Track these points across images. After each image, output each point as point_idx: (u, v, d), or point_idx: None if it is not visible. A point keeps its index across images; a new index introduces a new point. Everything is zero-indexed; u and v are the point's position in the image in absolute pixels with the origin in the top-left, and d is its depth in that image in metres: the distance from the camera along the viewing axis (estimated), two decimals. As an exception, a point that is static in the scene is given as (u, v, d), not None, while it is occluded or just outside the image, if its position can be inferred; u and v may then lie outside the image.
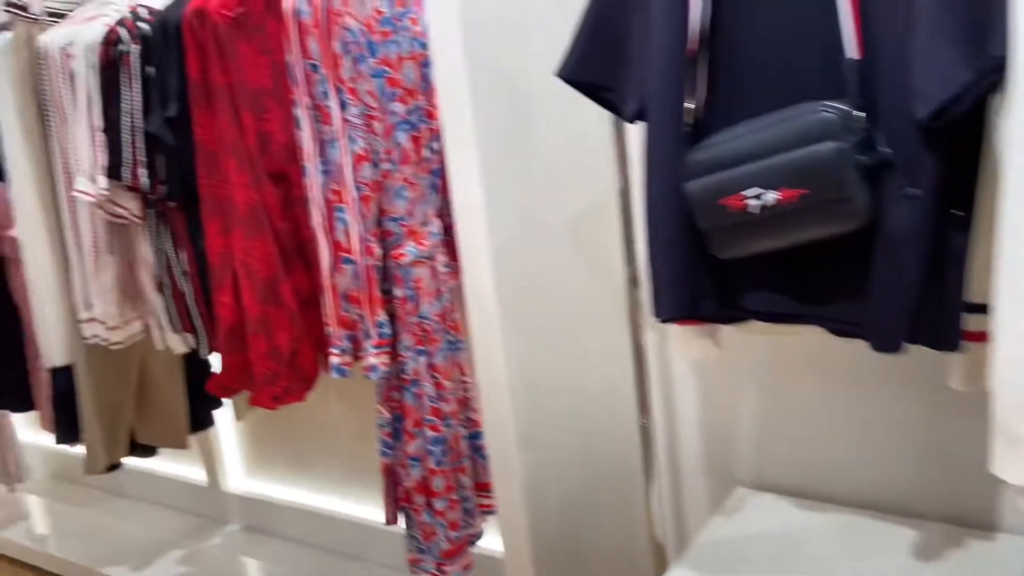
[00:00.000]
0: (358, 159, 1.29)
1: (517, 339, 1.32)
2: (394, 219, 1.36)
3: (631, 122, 1.05)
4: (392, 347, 1.38)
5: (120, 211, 1.51)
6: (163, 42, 1.39)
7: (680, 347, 1.17)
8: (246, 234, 1.37)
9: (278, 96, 1.36)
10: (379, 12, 1.33)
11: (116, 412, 1.74)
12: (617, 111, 1.09)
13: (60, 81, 1.52)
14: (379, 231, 1.36)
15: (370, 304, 1.31)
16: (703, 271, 1.04)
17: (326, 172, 1.30)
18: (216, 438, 2.24)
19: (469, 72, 1.18)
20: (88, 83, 1.47)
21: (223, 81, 1.34)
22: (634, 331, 1.37)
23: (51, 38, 1.51)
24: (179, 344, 1.59)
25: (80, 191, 1.49)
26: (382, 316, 1.32)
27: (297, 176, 1.36)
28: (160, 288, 1.56)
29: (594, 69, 1.06)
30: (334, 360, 1.33)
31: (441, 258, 1.48)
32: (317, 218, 1.30)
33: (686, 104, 0.97)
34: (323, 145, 1.29)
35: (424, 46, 1.43)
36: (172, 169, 1.44)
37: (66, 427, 1.75)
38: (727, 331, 1.17)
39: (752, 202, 0.91)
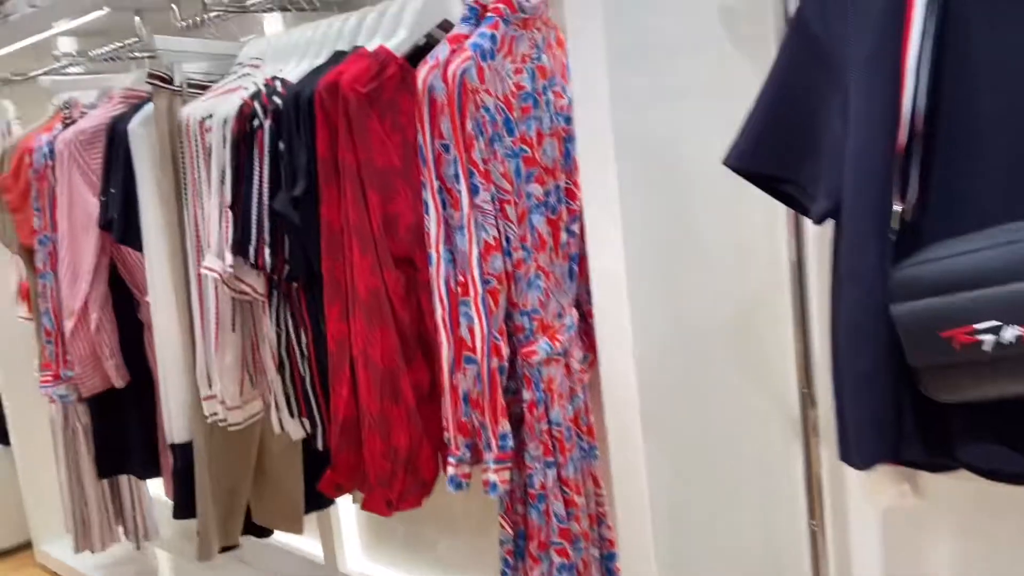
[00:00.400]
0: (487, 248, 1.16)
1: (661, 450, 1.15)
2: (525, 313, 1.22)
3: (818, 222, 0.86)
4: (516, 459, 1.23)
5: (244, 288, 1.45)
6: (295, 117, 1.32)
7: (870, 489, 0.96)
8: (366, 322, 1.27)
9: (407, 176, 1.26)
10: (520, 87, 1.21)
11: (233, 494, 1.67)
12: (800, 207, 0.90)
13: (197, 154, 1.49)
14: (508, 326, 1.22)
15: (492, 411, 1.16)
16: (909, 409, 0.83)
17: (452, 261, 1.18)
18: (335, 514, 2.15)
19: (617, 146, 1.04)
20: (222, 157, 1.43)
21: (351, 159, 1.25)
22: (807, 457, 1.15)
23: (191, 110, 1.48)
24: (296, 429, 1.50)
25: (207, 267, 1.44)
26: (505, 426, 1.17)
27: (423, 261, 1.24)
28: (280, 369, 1.48)
29: (772, 159, 0.89)
30: (451, 470, 1.19)
31: (577, 353, 1.32)
32: (440, 311, 1.18)
33: (894, 206, 0.77)
34: (450, 232, 1.18)
35: (568, 121, 1.30)
36: (296, 248, 1.36)
37: (184, 504, 1.70)
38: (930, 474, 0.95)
39: (986, 337, 0.71)
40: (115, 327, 1.85)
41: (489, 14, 1.19)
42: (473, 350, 1.16)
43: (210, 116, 1.45)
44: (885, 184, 0.78)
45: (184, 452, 1.65)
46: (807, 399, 1.12)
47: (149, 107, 1.58)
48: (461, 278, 1.16)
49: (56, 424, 2.25)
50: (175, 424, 1.64)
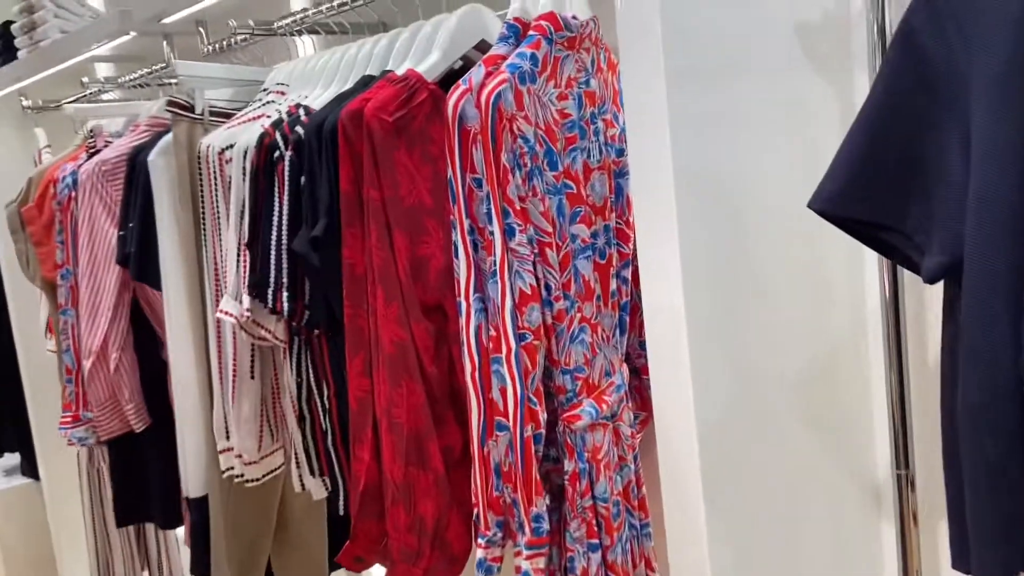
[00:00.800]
0: (523, 298, 1.01)
1: (726, 529, 1.00)
2: (567, 371, 1.07)
3: (930, 281, 0.70)
4: (555, 539, 1.07)
5: (263, 334, 1.32)
6: (317, 148, 1.20)
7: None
8: (391, 378, 1.13)
9: (439, 215, 1.13)
10: (564, 114, 1.07)
11: (252, 552, 1.54)
12: (905, 261, 0.74)
13: (216, 187, 1.38)
14: (547, 386, 1.07)
15: (526, 487, 1.01)
16: None
17: (483, 312, 1.03)
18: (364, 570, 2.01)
19: (677, 179, 0.90)
20: (241, 191, 1.31)
21: (376, 195, 1.12)
22: (903, 552, 0.97)
23: (210, 140, 1.37)
24: (318, 489, 1.37)
25: (223, 311, 1.32)
26: (540, 505, 1.02)
27: (455, 309, 1.10)
28: (300, 422, 1.35)
29: (869, 202, 0.73)
30: (480, 553, 1.04)
31: (627, 415, 1.16)
32: (469, 369, 1.03)
33: None
34: (482, 278, 1.03)
35: (620, 153, 1.15)
36: (316, 293, 1.23)
37: (201, 559, 1.58)
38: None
39: None
40: (136, 368, 1.75)
41: (531, 32, 1.05)
42: (505, 415, 1.01)
43: (230, 146, 1.34)
44: (1020, 235, 0.61)
45: (200, 506, 1.53)
46: (905, 482, 0.94)
47: (169, 137, 1.48)
48: (493, 332, 1.02)
49: (82, 464, 2.18)
50: (191, 477, 1.52)
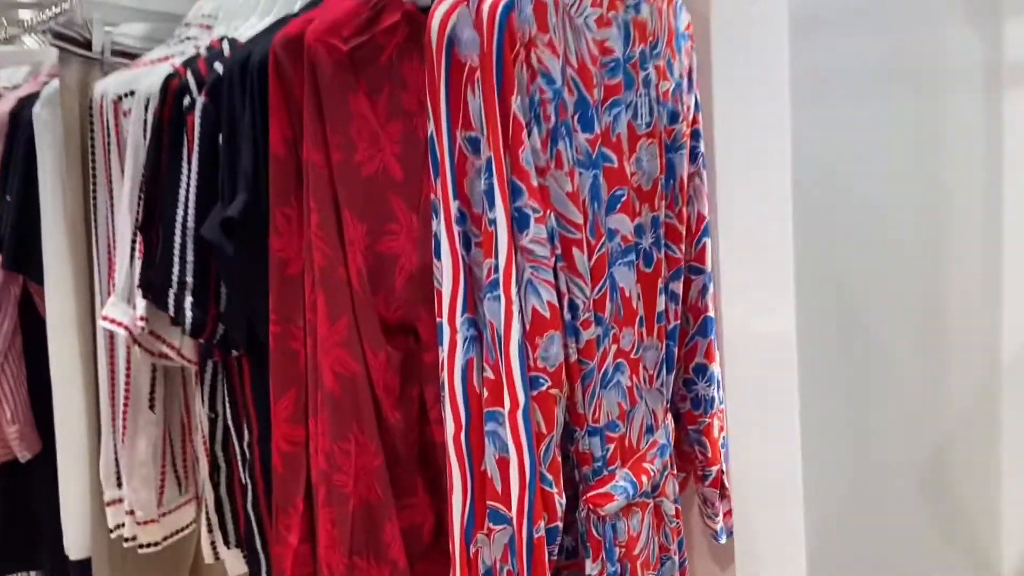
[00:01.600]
0: (539, 324, 0.66)
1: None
2: (596, 431, 0.72)
3: None
4: None
5: (164, 350, 0.97)
6: (240, 93, 0.84)
7: None
8: (334, 428, 0.77)
9: (413, 193, 0.77)
10: (606, 49, 0.72)
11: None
12: None
13: (110, 148, 1.02)
14: (565, 449, 0.73)
15: (537, 617, 0.66)
16: None
17: (476, 342, 0.68)
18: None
19: (797, 171, 0.56)
20: (139, 154, 0.96)
21: (320, 159, 0.77)
22: None
23: (105, 86, 1.01)
24: (236, 562, 1.01)
25: (109, 319, 0.96)
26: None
27: (431, 332, 0.75)
28: (214, 473, 1.00)
29: None
30: None
31: (671, 486, 0.82)
32: (452, 427, 0.68)
33: None
34: (476, 290, 0.68)
35: (675, 118, 0.80)
36: (234, 299, 0.88)
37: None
38: None
39: None
40: (23, 381, 1.38)
41: (557, -76, 0.70)
42: (506, 501, 0.66)
43: (130, 93, 0.99)
44: None
45: (83, 572, 1.17)
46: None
47: (55, 82, 1.11)
48: (491, 374, 0.66)
49: (-26, 488, 1.80)
50: (71, 534, 1.16)
